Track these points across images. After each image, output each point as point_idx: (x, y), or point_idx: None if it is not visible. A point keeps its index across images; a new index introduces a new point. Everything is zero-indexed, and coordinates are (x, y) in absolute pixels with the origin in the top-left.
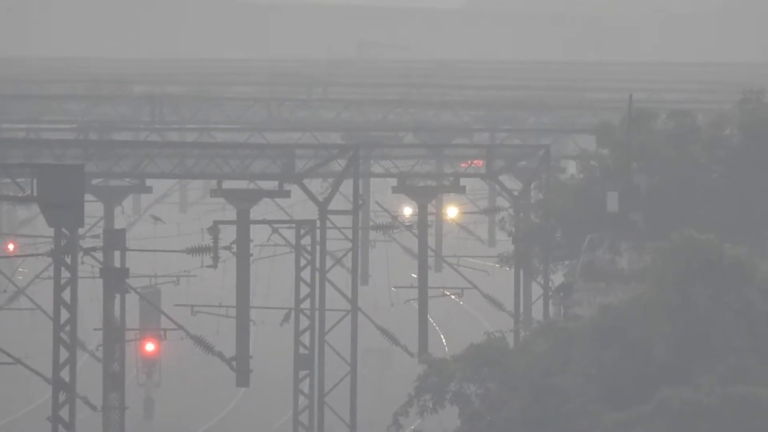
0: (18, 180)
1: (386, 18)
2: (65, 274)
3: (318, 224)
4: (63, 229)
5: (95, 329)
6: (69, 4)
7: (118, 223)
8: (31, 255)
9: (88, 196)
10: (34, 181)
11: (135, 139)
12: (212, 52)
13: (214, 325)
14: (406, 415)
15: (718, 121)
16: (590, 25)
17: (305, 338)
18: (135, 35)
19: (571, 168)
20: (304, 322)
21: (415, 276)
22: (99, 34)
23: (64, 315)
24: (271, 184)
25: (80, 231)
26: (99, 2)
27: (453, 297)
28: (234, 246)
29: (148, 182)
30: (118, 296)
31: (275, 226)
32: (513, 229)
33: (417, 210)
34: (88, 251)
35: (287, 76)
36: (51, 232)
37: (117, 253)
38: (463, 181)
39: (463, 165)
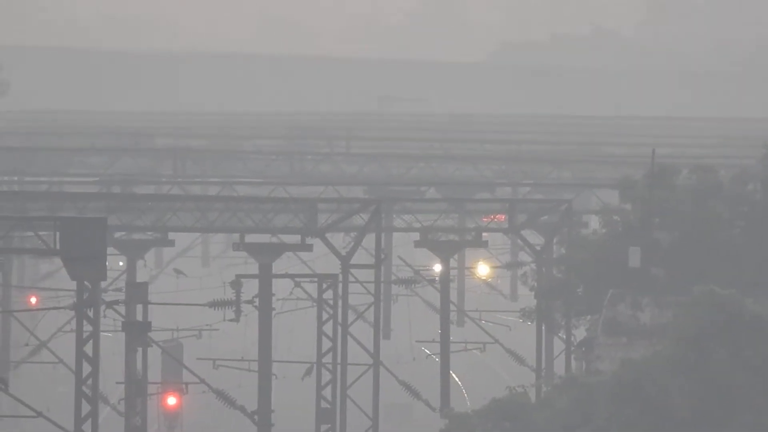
0: (40, 233)
1: (408, 72)
2: (87, 328)
3: (340, 278)
4: (85, 282)
5: (117, 383)
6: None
7: (141, 277)
8: (54, 308)
9: (110, 250)
10: (57, 234)
11: (157, 193)
12: (231, 105)
13: (236, 379)
14: None
15: (740, 176)
16: (609, 80)
17: (327, 392)
18: (153, 89)
19: (593, 223)
20: (326, 376)
21: (438, 331)
22: (120, 88)
23: (86, 368)
24: (293, 238)
25: (102, 284)
26: (117, 58)
27: (475, 352)
28: (256, 300)
29: (171, 236)
30: (140, 350)
31: (297, 280)
32: (535, 284)
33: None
34: (110, 305)
35: (309, 130)
36: (73, 285)
37: (139, 307)
38: (485, 236)
39: (485, 219)
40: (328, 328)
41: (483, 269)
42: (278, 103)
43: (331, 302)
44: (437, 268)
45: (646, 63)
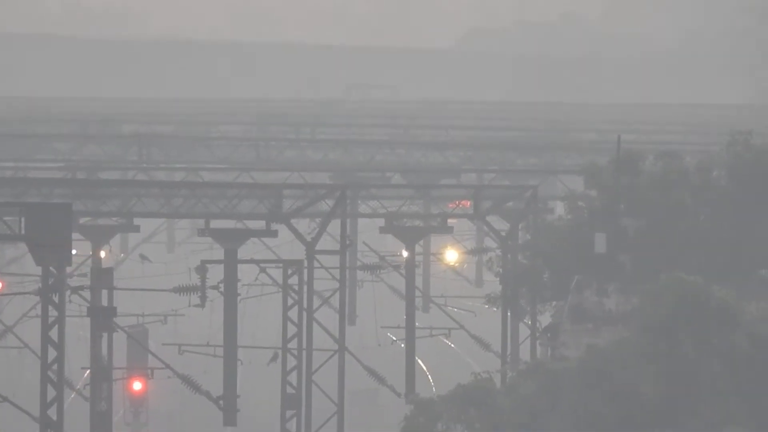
0: (5, 218)
1: (374, 58)
2: (53, 313)
3: (305, 264)
4: (51, 268)
5: (82, 368)
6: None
7: (106, 263)
8: (19, 293)
9: (75, 235)
10: (22, 219)
11: (123, 179)
12: (199, 92)
13: (201, 364)
14: None
15: (705, 163)
16: (576, 67)
17: (292, 378)
18: (122, 76)
19: (559, 209)
20: (292, 362)
21: (403, 316)
22: (87, 74)
23: (52, 353)
24: (258, 224)
25: (68, 270)
26: (89, 46)
27: (441, 338)
28: (221, 285)
29: (136, 221)
30: (105, 335)
31: (263, 265)
32: (500, 270)
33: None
34: (75, 290)
35: (275, 116)
36: (39, 270)
37: (105, 292)
38: (450, 222)
39: (450, 205)
40: (293, 313)
41: (451, 255)
42: (247, 91)
43: (296, 288)
44: (405, 254)
45: (612, 50)
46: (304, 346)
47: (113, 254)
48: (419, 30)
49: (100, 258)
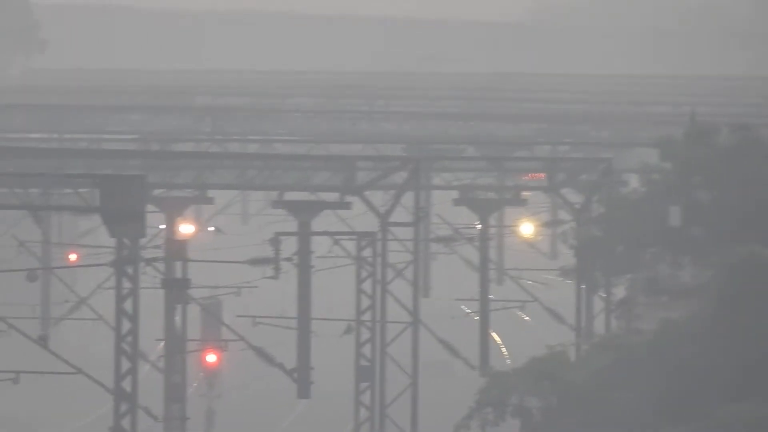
0: (80, 190)
1: (447, 31)
2: (127, 285)
3: (379, 236)
4: (125, 240)
5: (157, 340)
6: (127, 17)
7: (180, 234)
8: (93, 265)
9: (149, 207)
10: (96, 191)
11: (196, 150)
12: (272, 64)
13: (275, 336)
14: (467, 427)
15: None
16: (651, 38)
17: (366, 350)
18: (196, 48)
19: (633, 182)
20: (365, 334)
21: (477, 289)
22: (159, 46)
23: (126, 325)
24: (332, 196)
25: (142, 241)
26: (158, 17)
27: (514, 310)
28: (295, 257)
29: (210, 193)
30: (179, 307)
31: (336, 237)
32: (574, 243)
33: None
34: (149, 262)
35: (349, 88)
36: (113, 242)
37: (179, 264)
38: (524, 195)
39: (524, 178)
40: (367, 286)
41: (527, 228)
42: (319, 63)
43: (370, 260)
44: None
45: (690, 22)
46: (378, 318)
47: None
48: (492, 3)
49: (175, 230)
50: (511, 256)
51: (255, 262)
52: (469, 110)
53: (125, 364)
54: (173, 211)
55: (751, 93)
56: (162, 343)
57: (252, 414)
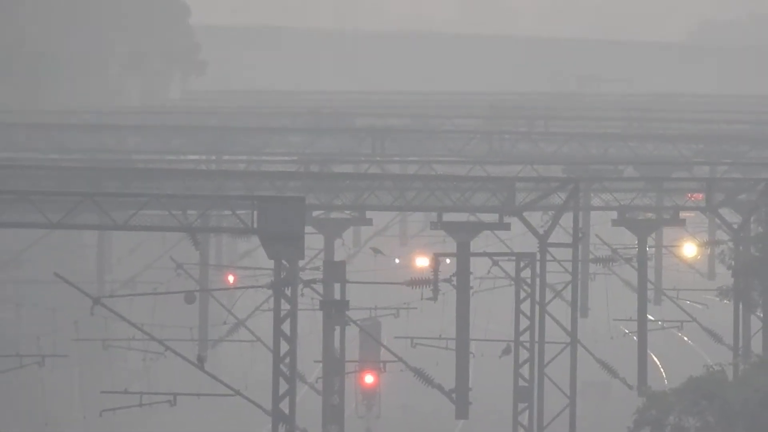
0: (238, 212)
1: (607, 51)
2: (285, 306)
3: (538, 257)
4: (283, 261)
5: (315, 361)
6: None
7: (338, 256)
8: (252, 287)
9: (308, 228)
10: (255, 213)
11: (356, 172)
12: (433, 85)
13: (433, 357)
14: None
15: None
16: None
17: (525, 371)
18: (353, 69)
19: None
20: (524, 355)
21: (635, 309)
22: (318, 67)
23: (284, 347)
24: (491, 217)
25: (300, 263)
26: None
27: (673, 330)
28: (454, 278)
29: (368, 214)
30: (338, 328)
31: (495, 258)
32: (733, 263)
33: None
34: (308, 283)
35: (508, 110)
36: (271, 264)
37: (337, 286)
38: (682, 215)
39: (686, 198)
40: (525, 306)
41: (690, 249)
42: (478, 84)
43: (528, 281)
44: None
45: None
46: (537, 338)
47: (346, 247)
48: (651, 23)
49: (333, 251)
50: (668, 277)
51: (414, 283)
52: (629, 131)
53: (283, 386)
54: (332, 232)
55: None
56: (320, 365)
57: None
